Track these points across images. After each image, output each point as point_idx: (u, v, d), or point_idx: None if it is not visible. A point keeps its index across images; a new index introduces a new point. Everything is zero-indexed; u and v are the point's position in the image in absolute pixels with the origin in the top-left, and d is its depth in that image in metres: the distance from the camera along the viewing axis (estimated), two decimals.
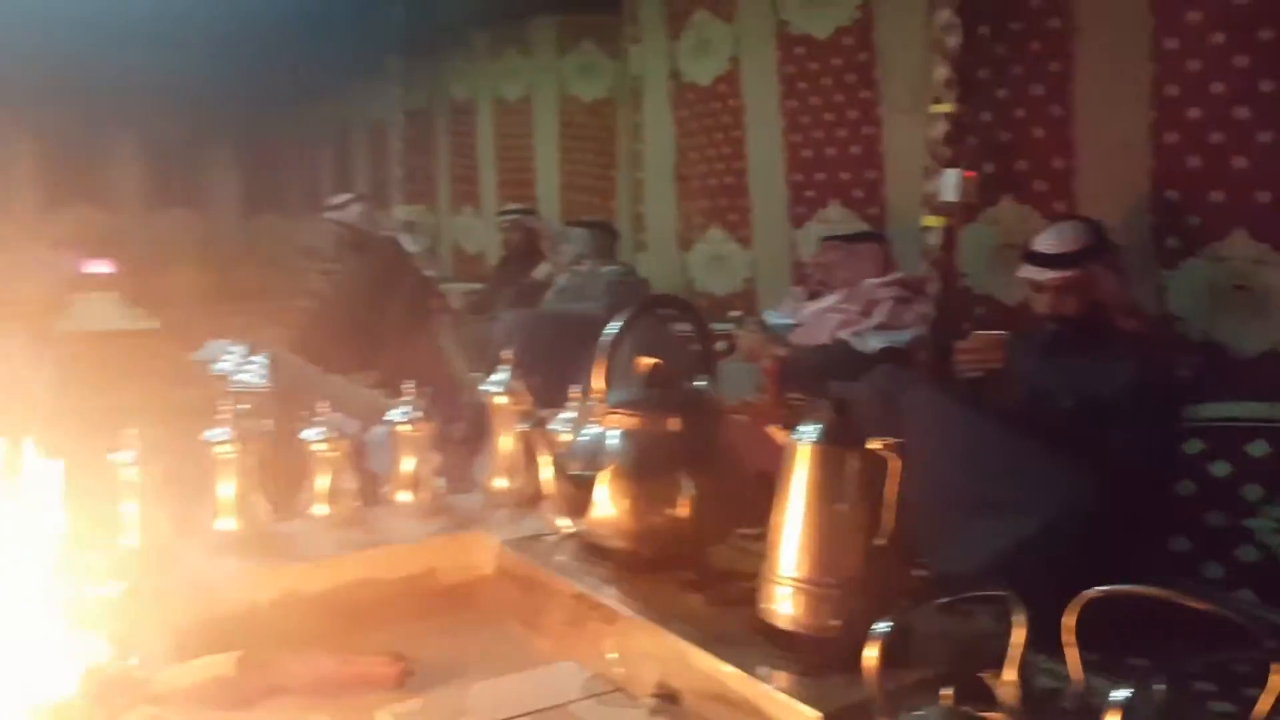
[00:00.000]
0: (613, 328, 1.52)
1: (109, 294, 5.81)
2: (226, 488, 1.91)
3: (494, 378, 2.15)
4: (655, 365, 1.53)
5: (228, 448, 1.92)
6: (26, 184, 8.39)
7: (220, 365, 3.82)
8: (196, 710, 1.30)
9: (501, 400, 2.13)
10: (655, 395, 1.53)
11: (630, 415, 1.50)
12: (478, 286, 5.92)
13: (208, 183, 9.55)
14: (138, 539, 1.81)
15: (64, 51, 6.37)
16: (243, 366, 3.73)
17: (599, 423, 1.53)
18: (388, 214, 7.08)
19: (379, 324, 5.01)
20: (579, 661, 1.40)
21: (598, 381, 1.50)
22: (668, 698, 1.23)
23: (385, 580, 1.84)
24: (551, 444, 1.53)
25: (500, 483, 2.13)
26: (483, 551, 1.89)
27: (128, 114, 8.22)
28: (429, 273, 5.63)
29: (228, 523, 1.90)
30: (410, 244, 5.82)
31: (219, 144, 9.33)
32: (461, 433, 3.41)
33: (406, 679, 1.51)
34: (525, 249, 5.54)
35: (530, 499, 2.08)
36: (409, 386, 2.15)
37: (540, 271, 5.33)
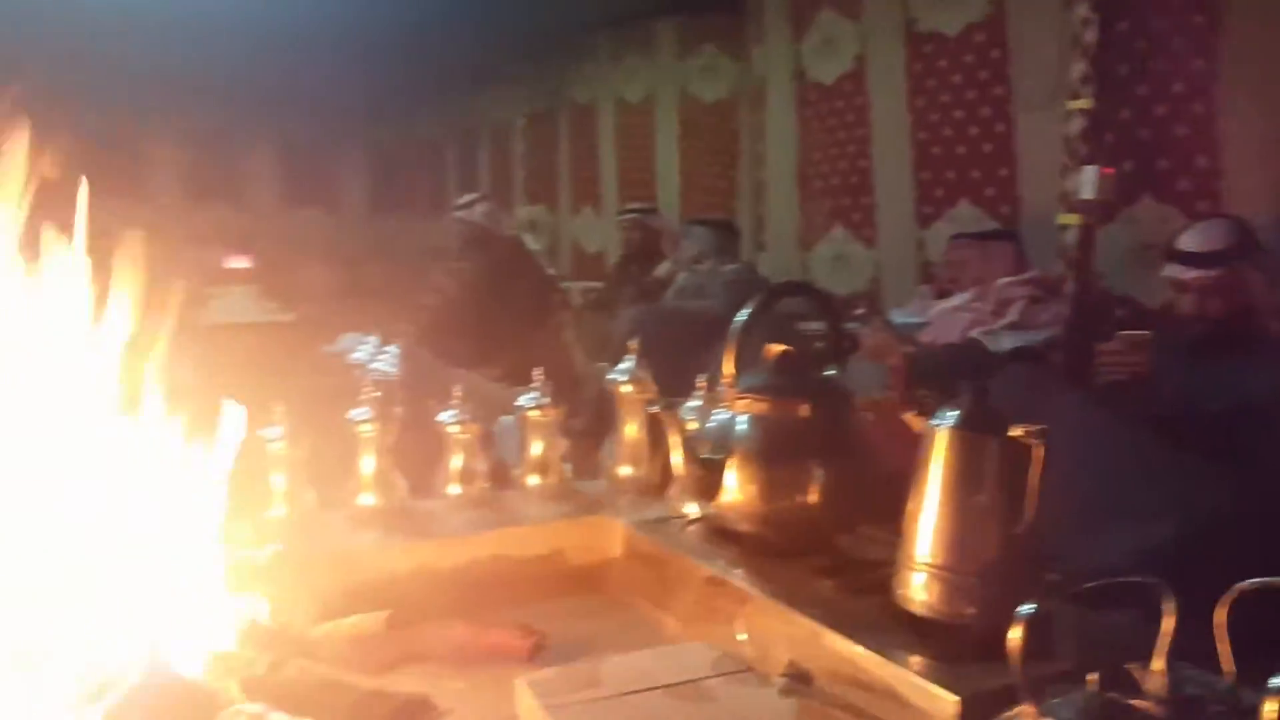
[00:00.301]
0: (744, 314, 1.53)
1: (247, 288, 6.10)
2: (367, 464, 2.00)
3: (620, 367, 2.19)
4: (785, 352, 1.54)
5: (369, 426, 2.02)
6: (171, 182, 8.87)
7: (356, 355, 3.97)
8: (344, 668, 1.36)
9: (627, 389, 2.17)
10: (785, 381, 1.53)
11: (760, 400, 1.51)
12: (597, 285, 6.00)
13: (339, 184, 9.92)
14: (284, 510, 1.92)
15: (206, 56, 6.71)
16: (376, 357, 3.88)
17: (728, 408, 1.54)
18: (510, 214, 7.23)
19: (501, 320, 5.11)
20: (708, 641, 1.41)
21: (728, 366, 1.51)
22: (799, 678, 1.23)
23: (515, 559, 1.89)
24: (681, 426, 1.55)
25: (625, 470, 2.16)
26: (610, 535, 1.93)
27: (265, 117, 8.61)
28: (550, 271, 5.72)
29: (368, 498, 2.00)
30: (532, 243, 5.93)
31: (350, 146, 9.69)
32: (583, 425, 3.47)
33: (539, 652, 1.55)
34: (645, 248, 5.58)
35: (654, 486, 2.10)
36: (537, 373, 2.21)
37: (660, 270, 5.36)
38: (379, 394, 2.10)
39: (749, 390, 1.52)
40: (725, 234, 5.02)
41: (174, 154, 9.02)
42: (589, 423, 3.46)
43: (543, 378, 2.18)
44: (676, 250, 5.25)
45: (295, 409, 2.01)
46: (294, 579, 1.53)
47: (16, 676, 0.97)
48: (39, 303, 1.33)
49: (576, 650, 1.55)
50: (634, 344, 2.18)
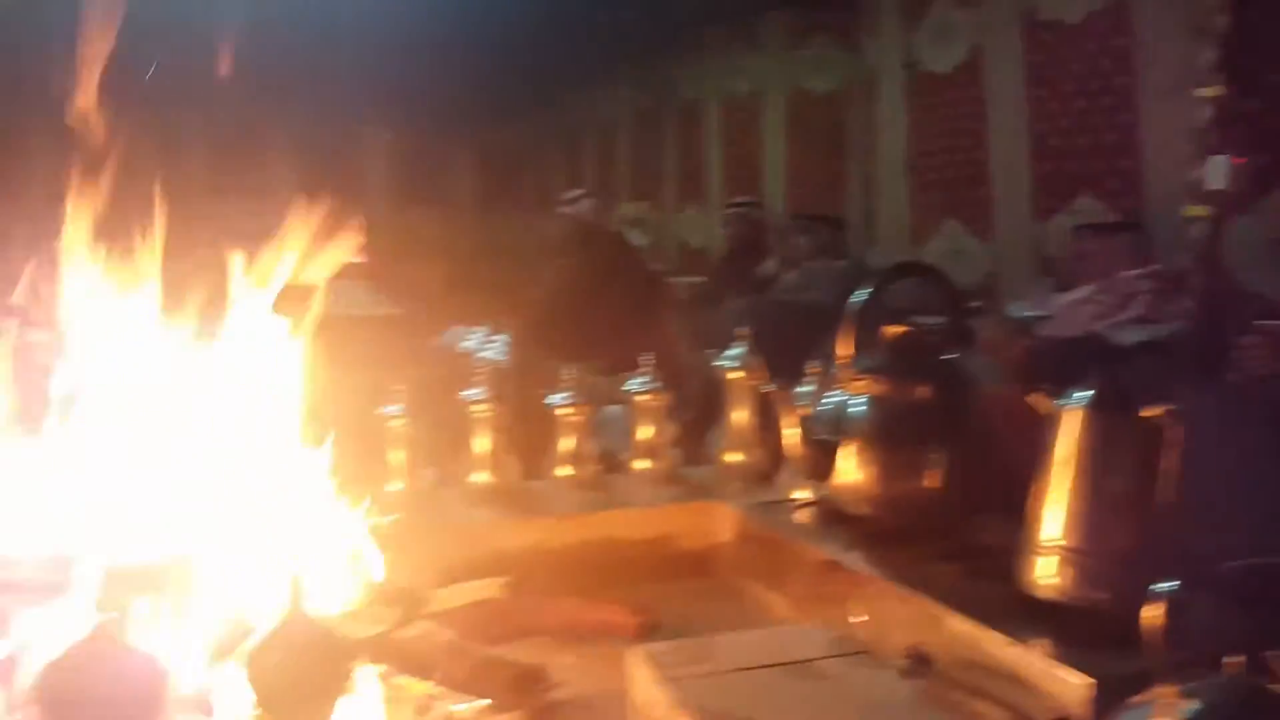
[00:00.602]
0: (861, 294, 1.51)
1: (360, 282, 6.27)
2: (481, 443, 2.05)
3: (729, 353, 2.18)
4: (904, 332, 1.51)
5: (483, 406, 2.07)
6: (287, 176, 9.16)
7: (465, 344, 4.05)
8: (463, 634, 1.39)
9: (736, 374, 2.16)
10: (904, 362, 1.50)
11: (879, 381, 1.48)
12: (701, 280, 5.99)
13: (448, 181, 10.12)
14: (403, 484, 1.97)
15: (319, 57, 6.91)
16: (485, 346, 3.95)
17: (845, 389, 1.52)
18: (615, 210, 7.27)
19: (604, 315, 5.14)
20: (822, 624, 1.40)
21: (845, 347, 1.49)
22: (920, 661, 1.20)
23: (625, 541, 1.91)
24: (795, 408, 1.54)
25: (733, 456, 2.15)
26: (719, 519, 1.93)
27: (377, 114, 8.83)
28: (654, 266, 5.74)
29: (482, 476, 2.04)
30: (636, 239, 5.96)
31: (459, 145, 9.88)
32: (689, 416, 3.47)
33: (648, 632, 1.56)
34: (750, 243, 5.56)
35: (763, 472, 2.09)
36: (646, 358, 2.23)
37: (766, 268, 5.33)
38: (491, 375, 2.16)
39: (868, 370, 1.49)
40: (832, 230, 4.97)
41: (288, 154, 9.32)
42: (695, 414, 3.46)
43: (651, 363, 2.20)
44: (781, 246, 5.21)
45: (406, 397, 2.06)
46: (413, 547, 1.57)
47: (163, 621, 1.02)
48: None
49: (686, 631, 1.54)
50: (744, 330, 2.17)
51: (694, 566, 1.89)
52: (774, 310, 4.33)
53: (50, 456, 1.32)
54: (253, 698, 0.81)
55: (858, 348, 1.49)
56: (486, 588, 1.47)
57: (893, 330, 1.51)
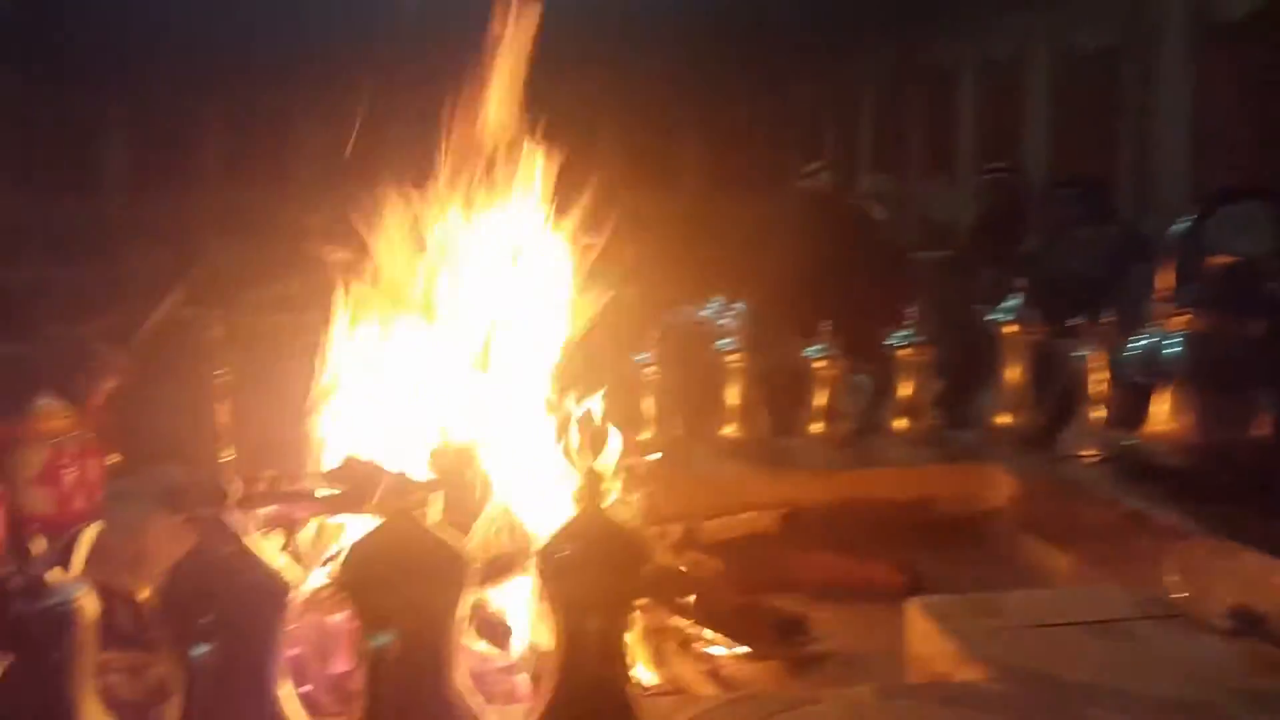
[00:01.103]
0: (1184, 222, 1.32)
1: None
2: (733, 394, 1.99)
3: (1004, 304, 2.02)
4: (1234, 263, 1.31)
5: (735, 356, 2.01)
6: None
7: (702, 314, 4.00)
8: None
9: (1011, 329, 2.00)
10: (1233, 296, 1.30)
11: (1202, 316, 1.29)
12: (948, 254, 5.69)
13: (673, 162, 10.17)
14: (653, 433, 1.94)
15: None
16: (722, 314, 3.89)
17: (1162, 327, 1.34)
18: (856, 182, 7.05)
19: (844, 292, 4.98)
20: (1121, 583, 1.24)
21: (1165, 279, 1.31)
22: (1247, 620, 1.03)
23: (883, 502, 1.79)
24: (1100, 344, 1.37)
25: (1004, 417, 1.99)
26: (990, 482, 1.78)
27: (604, 98, 8.98)
28: (896, 240, 5.51)
29: (732, 429, 1.98)
30: (878, 212, 5.75)
31: (688, 124, 9.90)
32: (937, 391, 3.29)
33: (913, 590, 1.45)
34: (1007, 213, 5.21)
35: (1039, 432, 1.91)
36: (910, 310, 2.10)
37: (1027, 242, 4.97)
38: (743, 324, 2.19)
39: (1191, 305, 1.31)
40: (1099, 196, 4.57)
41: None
42: (944, 388, 3.27)
43: (916, 316, 2.07)
44: (1043, 215, 4.86)
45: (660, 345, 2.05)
46: (673, 482, 1.53)
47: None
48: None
49: (955, 592, 1.42)
50: (1023, 281, 2.00)
51: (959, 531, 1.75)
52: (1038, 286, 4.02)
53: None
54: (543, 599, 0.78)
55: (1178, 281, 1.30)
56: (761, 519, 1.41)
57: (1220, 260, 1.32)
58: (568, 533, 0.80)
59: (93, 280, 3.77)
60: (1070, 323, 1.71)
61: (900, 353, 2.04)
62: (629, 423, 1.91)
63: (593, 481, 0.82)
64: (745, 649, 1.28)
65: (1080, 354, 1.74)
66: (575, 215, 1.59)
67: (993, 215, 5.31)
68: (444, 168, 1.51)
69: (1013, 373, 1.98)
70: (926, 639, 1.16)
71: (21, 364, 2.21)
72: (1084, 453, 1.57)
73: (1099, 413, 1.40)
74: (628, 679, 0.80)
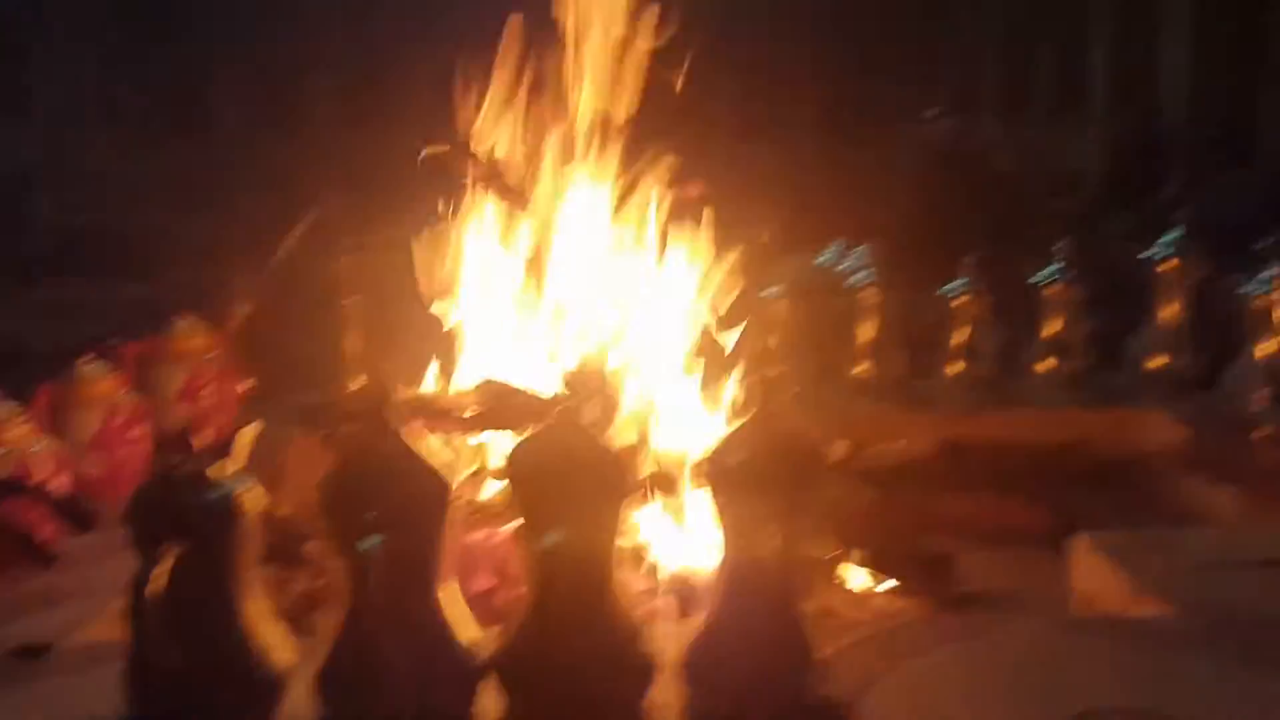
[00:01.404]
0: None
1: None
2: (867, 331, 1.92)
3: (1163, 239, 1.90)
4: None
5: (870, 291, 1.95)
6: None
7: (822, 260, 3.92)
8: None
9: (1168, 266, 1.88)
10: None
11: None
12: (1078, 202, 5.45)
13: (786, 115, 9.96)
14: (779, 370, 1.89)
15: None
16: (842, 258, 3.80)
17: None
18: (978, 126, 6.78)
19: (965, 244, 4.82)
20: None
21: None
22: None
23: (1029, 444, 1.70)
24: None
25: (1158, 360, 1.87)
26: (1146, 427, 1.68)
27: (714, 47, 8.81)
28: (1015, 188, 5.30)
29: (865, 368, 1.91)
30: (1001, 161, 5.54)
31: (801, 72, 9.67)
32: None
33: (1065, 534, 1.37)
34: (1142, 159, 4.96)
35: (1197, 376, 1.80)
36: (1058, 247, 1.99)
37: (1164, 191, 4.72)
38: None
39: None
40: (1244, 137, 4.30)
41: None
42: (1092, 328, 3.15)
43: (1065, 250, 1.96)
44: (1181, 162, 4.61)
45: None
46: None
47: None
48: None
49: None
50: (1184, 214, 1.88)
51: (1114, 475, 1.65)
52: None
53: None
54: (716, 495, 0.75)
55: None
56: (915, 447, 1.35)
57: None
58: (738, 439, 0.76)
59: (211, 226, 3.88)
60: (1256, 247, 1.58)
61: (1046, 290, 1.94)
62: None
63: (763, 387, 0.77)
64: (893, 583, 1.23)
65: (1248, 290, 1.63)
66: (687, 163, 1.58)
67: (1125, 163, 5.08)
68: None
69: (1169, 311, 1.86)
70: (1095, 575, 1.09)
71: (148, 304, 2.27)
72: (1252, 393, 1.46)
73: (1269, 349, 1.28)
74: (804, 595, 0.75)
